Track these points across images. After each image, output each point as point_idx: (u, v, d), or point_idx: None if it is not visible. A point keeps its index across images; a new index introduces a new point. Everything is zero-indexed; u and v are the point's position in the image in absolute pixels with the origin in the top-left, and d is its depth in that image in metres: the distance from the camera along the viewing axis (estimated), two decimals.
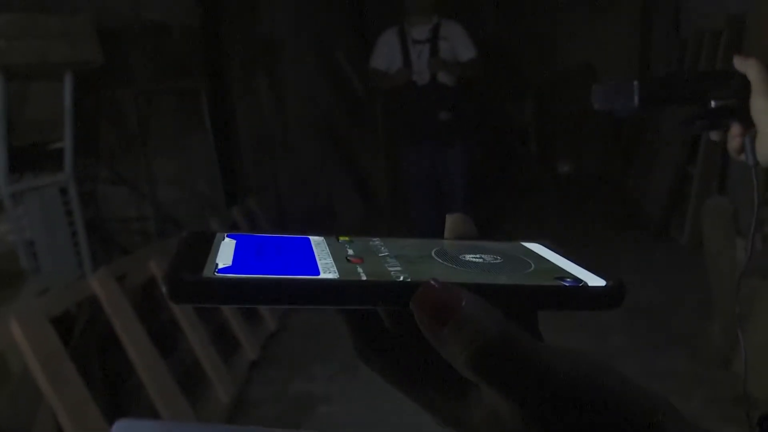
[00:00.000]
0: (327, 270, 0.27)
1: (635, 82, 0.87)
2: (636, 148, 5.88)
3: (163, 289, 0.25)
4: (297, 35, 5.04)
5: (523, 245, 0.34)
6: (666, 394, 0.27)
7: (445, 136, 3.90)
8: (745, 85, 0.81)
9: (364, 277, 0.27)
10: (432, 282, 0.25)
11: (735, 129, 0.84)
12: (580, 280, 0.29)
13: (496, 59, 5.38)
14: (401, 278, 0.27)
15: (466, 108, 4.03)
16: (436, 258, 0.30)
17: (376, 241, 0.32)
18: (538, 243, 0.34)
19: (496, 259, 0.31)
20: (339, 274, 0.27)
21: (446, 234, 0.34)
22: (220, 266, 0.26)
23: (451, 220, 0.35)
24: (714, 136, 0.89)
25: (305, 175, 5.01)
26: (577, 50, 6.81)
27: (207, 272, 0.26)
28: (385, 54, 3.91)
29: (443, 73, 3.80)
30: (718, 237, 2.63)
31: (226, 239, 0.30)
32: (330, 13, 5.67)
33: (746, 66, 0.81)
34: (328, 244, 0.31)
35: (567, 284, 0.28)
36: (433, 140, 3.91)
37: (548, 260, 0.32)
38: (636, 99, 0.86)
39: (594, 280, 0.29)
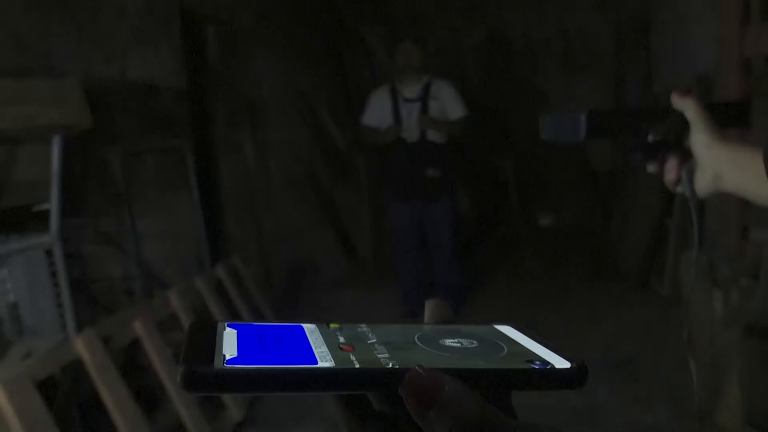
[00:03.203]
0: (323, 358, 0.30)
1: (582, 116, 0.89)
2: (614, 201, 6.00)
3: (178, 381, 0.28)
4: (280, 93, 5.14)
5: (495, 328, 0.37)
6: None
7: (432, 192, 3.98)
8: (682, 120, 0.84)
9: (357, 365, 0.30)
10: (417, 369, 0.29)
11: (672, 162, 0.87)
12: (548, 363, 0.32)
13: (481, 115, 5.51)
14: (390, 365, 0.30)
15: (454, 164, 4.13)
16: (418, 344, 0.33)
17: (363, 328, 0.35)
18: (508, 325, 0.38)
19: (472, 343, 0.34)
20: (334, 362, 0.30)
21: (426, 318, 0.38)
22: (228, 357, 0.29)
23: (429, 306, 0.38)
24: (651, 168, 0.91)
25: (289, 231, 5.04)
26: (556, 106, 7.00)
27: (217, 363, 0.28)
28: (377, 112, 4.02)
29: (432, 131, 3.91)
30: (692, 259, 2.67)
31: (228, 329, 0.33)
32: (312, 70, 5.80)
33: (684, 104, 0.84)
34: (321, 332, 0.34)
35: (536, 367, 0.31)
36: (421, 195, 3.99)
37: (519, 343, 0.35)
38: (583, 132, 0.89)
39: (560, 362, 0.32)
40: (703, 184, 0.84)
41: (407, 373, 0.29)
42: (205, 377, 0.28)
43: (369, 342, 0.33)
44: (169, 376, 2.52)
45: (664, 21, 4.98)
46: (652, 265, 4.43)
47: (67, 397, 2.27)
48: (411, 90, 3.94)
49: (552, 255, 5.90)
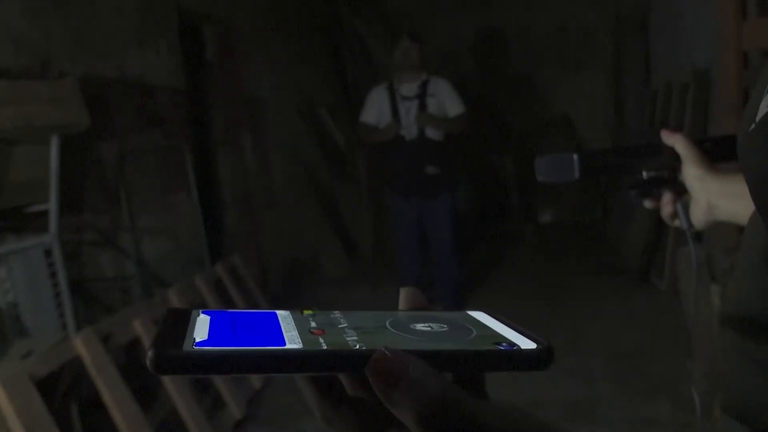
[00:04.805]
0: (292, 341, 0.30)
1: (575, 156, 0.93)
2: (614, 196, 6.00)
3: (148, 363, 0.28)
4: (279, 92, 5.15)
5: (468, 314, 0.38)
6: None
7: (431, 189, 3.98)
8: (674, 156, 0.88)
9: (324, 347, 0.30)
10: (383, 350, 0.29)
11: (667, 197, 0.91)
12: (514, 344, 0.32)
13: (480, 112, 5.52)
14: (357, 347, 0.30)
15: (453, 160, 4.13)
16: (389, 328, 0.33)
17: (337, 314, 0.35)
18: (481, 311, 0.38)
19: (443, 327, 0.34)
20: (303, 344, 0.30)
21: (400, 306, 0.38)
22: (198, 340, 0.29)
23: (404, 293, 0.39)
24: (648, 204, 0.95)
25: (289, 230, 5.05)
26: (555, 102, 7.00)
27: (186, 346, 0.29)
28: (375, 109, 4.03)
29: (431, 128, 3.91)
30: (693, 283, 2.68)
31: (201, 315, 0.33)
32: (311, 69, 5.81)
33: (674, 140, 0.88)
34: (294, 318, 0.34)
35: (502, 348, 0.32)
36: (420, 192, 3.99)
37: (488, 327, 0.35)
38: (576, 171, 0.93)
39: (526, 344, 0.32)
40: (699, 215, 0.87)
41: (373, 354, 0.29)
42: (173, 359, 0.28)
43: (340, 326, 0.33)
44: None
45: (662, 15, 4.98)
46: (652, 260, 4.43)
47: (66, 396, 2.28)
48: (409, 87, 3.95)
49: (552, 251, 5.91)
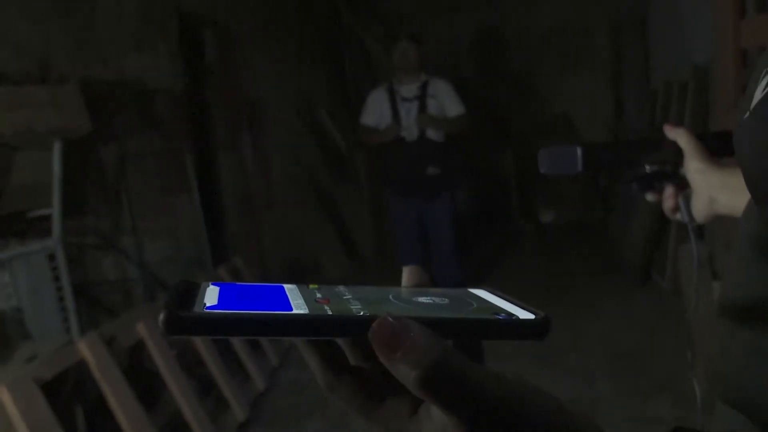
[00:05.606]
0: (298, 308, 0.32)
1: (578, 149, 0.93)
2: (614, 195, 6.00)
3: (160, 324, 0.29)
4: (279, 94, 5.16)
5: (469, 290, 0.39)
6: None
7: (432, 189, 3.99)
8: (676, 150, 0.89)
9: (330, 313, 0.32)
10: (386, 315, 0.30)
11: (669, 190, 0.91)
12: (512, 314, 0.34)
13: (480, 113, 5.53)
14: (361, 313, 0.32)
15: (453, 161, 4.14)
16: (392, 300, 0.35)
17: (342, 288, 0.37)
18: (483, 289, 0.39)
19: (444, 300, 0.36)
20: (309, 311, 0.32)
21: (403, 283, 0.39)
22: (208, 304, 0.31)
23: (407, 271, 0.40)
24: (650, 197, 0.95)
25: (290, 231, 5.06)
26: (555, 102, 7.01)
27: (197, 309, 0.30)
28: (375, 111, 4.03)
29: (431, 129, 3.92)
30: (693, 278, 2.68)
31: (211, 286, 0.35)
32: (311, 71, 5.82)
33: (676, 134, 0.89)
34: (300, 290, 0.36)
35: (501, 317, 0.33)
36: (421, 193, 4.00)
37: (488, 301, 0.37)
38: (579, 164, 0.93)
39: (525, 315, 0.34)
40: (700, 209, 0.87)
41: (376, 319, 0.30)
42: (185, 320, 0.29)
43: (345, 298, 0.35)
44: (172, 378, 2.53)
45: (661, 15, 4.98)
46: (653, 259, 4.43)
47: (71, 399, 2.29)
48: (408, 89, 3.95)
49: (553, 250, 5.91)
